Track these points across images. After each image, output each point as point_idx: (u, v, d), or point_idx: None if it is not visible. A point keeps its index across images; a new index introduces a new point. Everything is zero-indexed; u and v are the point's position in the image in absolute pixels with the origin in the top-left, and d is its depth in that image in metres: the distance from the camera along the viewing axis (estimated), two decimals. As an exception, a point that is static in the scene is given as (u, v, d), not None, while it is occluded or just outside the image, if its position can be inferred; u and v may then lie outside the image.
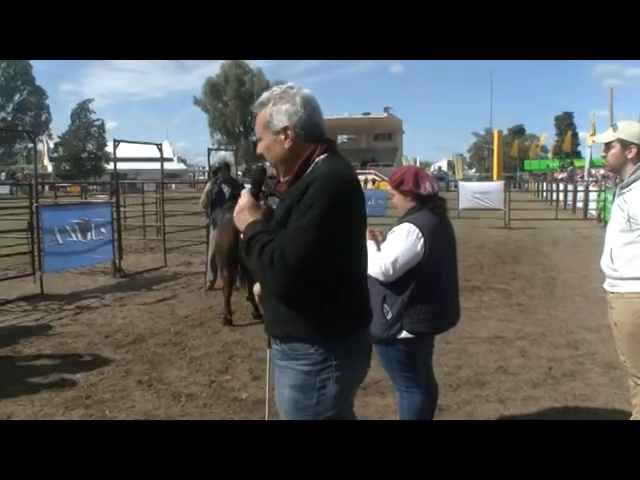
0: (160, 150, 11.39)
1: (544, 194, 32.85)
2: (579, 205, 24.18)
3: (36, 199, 9.16)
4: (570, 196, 26.25)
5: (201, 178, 55.41)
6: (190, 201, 16.76)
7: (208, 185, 9.12)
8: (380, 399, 4.75)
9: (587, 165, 34.95)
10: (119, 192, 10.64)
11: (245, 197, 2.29)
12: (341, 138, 68.31)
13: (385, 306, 3.41)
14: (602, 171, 33.34)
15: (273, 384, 2.49)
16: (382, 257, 3.38)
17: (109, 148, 60.10)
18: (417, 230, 3.38)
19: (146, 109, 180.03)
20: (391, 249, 3.38)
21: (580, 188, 25.51)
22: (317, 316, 2.19)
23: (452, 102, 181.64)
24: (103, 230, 9.79)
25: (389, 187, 3.74)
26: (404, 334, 3.40)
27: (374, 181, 47.30)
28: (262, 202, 2.35)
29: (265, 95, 2.31)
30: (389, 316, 3.39)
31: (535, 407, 4.60)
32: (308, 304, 2.17)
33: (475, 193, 19.65)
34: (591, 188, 24.47)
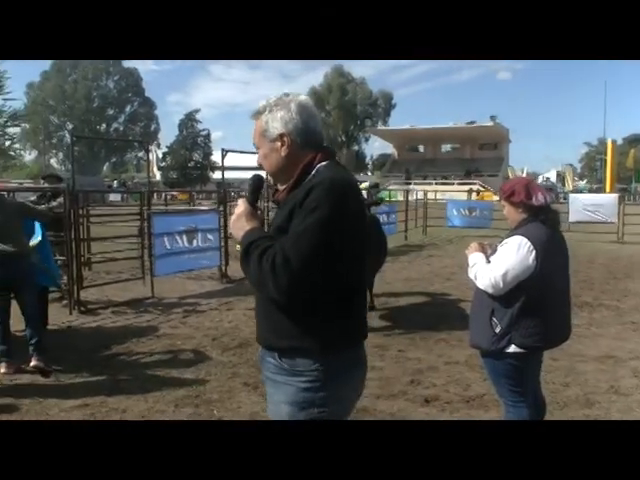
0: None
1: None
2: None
3: (148, 206, 9.61)
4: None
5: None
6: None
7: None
8: (483, 413, 4.67)
9: None
10: (226, 200, 10.93)
11: (242, 205, 2.23)
12: (445, 147, 67.71)
13: (494, 319, 3.37)
14: None
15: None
16: (492, 269, 3.34)
17: (215, 157, 62.17)
18: (529, 243, 3.32)
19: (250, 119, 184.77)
20: (502, 262, 3.34)
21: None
22: (318, 328, 2.10)
23: (562, 111, 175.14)
24: (210, 237, 10.13)
25: (500, 199, 3.68)
26: (513, 348, 3.36)
27: (478, 192, 46.38)
28: (259, 211, 2.30)
29: (261, 104, 2.28)
30: (497, 329, 3.36)
31: None
32: (312, 315, 2.08)
33: (587, 206, 18.80)
34: None
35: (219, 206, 11.02)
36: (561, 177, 69.30)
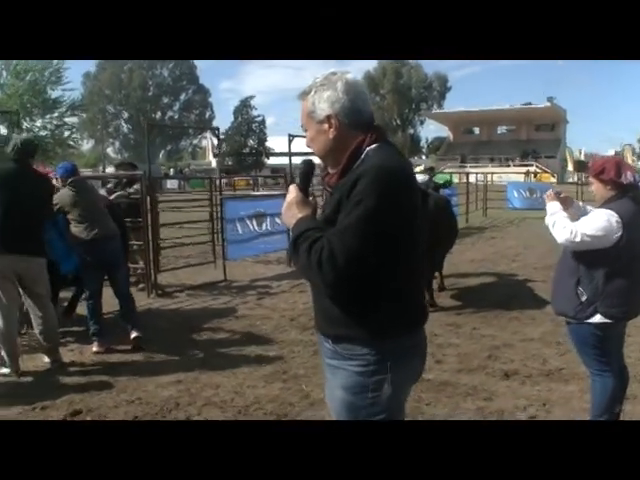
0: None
1: None
2: None
3: (220, 191, 9.89)
4: None
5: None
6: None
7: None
8: (564, 386, 4.78)
9: None
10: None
11: (293, 192, 2.14)
12: (500, 129, 66.65)
13: (580, 288, 3.52)
14: None
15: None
16: (575, 228, 3.46)
17: (269, 143, 62.64)
18: (617, 217, 3.44)
19: (297, 99, 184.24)
20: (589, 223, 3.48)
21: None
22: (371, 316, 2.07)
23: (619, 91, 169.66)
24: (278, 221, 10.36)
25: (589, 176, 3.78)
26: (598, 317, 3.49)
27: (536, 173, 45.60)
28: (310, 197, 2.20)
29: (309, 84, 2.18)
30: (583, 298, 3.50)
31: None
32: (361, 303, 2.06)
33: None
34: None
35: (286, 190, 11.22)
36: (620, 157, 67.28)
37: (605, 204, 3.57)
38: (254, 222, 9.86)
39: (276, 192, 14.19)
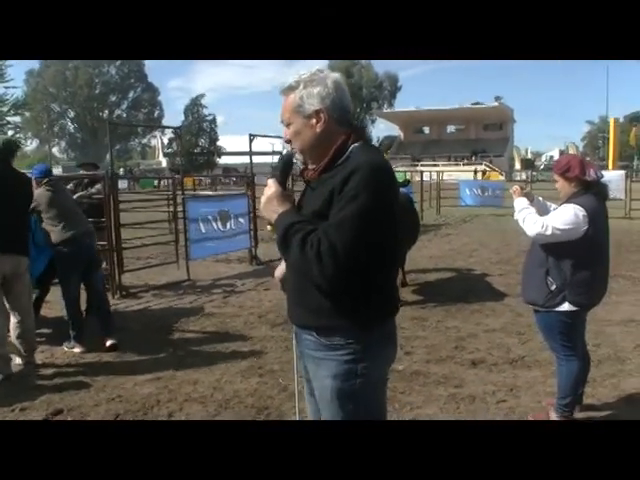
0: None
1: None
2: None
3: (182, 191, 9.92)
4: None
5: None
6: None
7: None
8: (527, 372, 5.05)
9: None
10: (254, 185, 11.22)
11: (272, 186, 2.19)
12: (450, 128, 67.80)
13: (549, 278, 3.76)
14: None
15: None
16: (544, 222, 3.70)
17: (220, 142, 62.24)
18: (584, 211, 3.69)
19: (253, 102, 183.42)
20: (558, 217, 3.73)
21: None
22: (360, 307, 2.15)
23: (564, 90, 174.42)
24: (241, 220, 10.47)
25: (554, 173, 4.02)
26: (566, 305, 3.75)
27: (484, 172, 46.58)
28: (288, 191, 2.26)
29: (293, 79, 2.23)
30: (553, 287, 3.75)
31: None
32: (352, 295, 2.12)
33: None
34: None
35: (247, 190, 11.31)
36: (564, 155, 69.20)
37: (571, 199, 3.82)
38: (218, 222, 9.91)
39: (238, 192, 14.25)
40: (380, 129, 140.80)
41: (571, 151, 59.81)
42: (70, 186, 8.83)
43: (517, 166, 57.81)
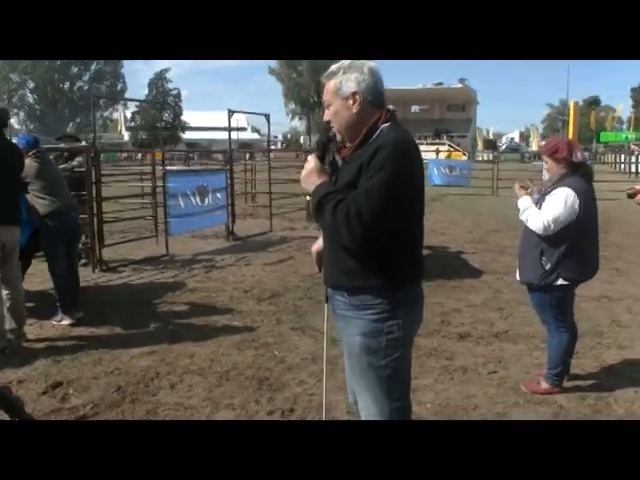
0: (268, 121, 12.08)
1: (622, 166, 32.28)
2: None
3: (163, 165, 9.88)
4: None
5: (273, 148, 56.07)
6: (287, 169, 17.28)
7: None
8: (513, 345, 5.26)
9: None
10: (232, 160, 11.24)
11: (312, 161, 2.43)
12: (414, 108, 68.02)
13: (543, 258, 3.98)
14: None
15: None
16: (545, 214, 3.90)
17: (185, 117, 61.47)
18: (574, 193, 3.89)
19: (215, 77, 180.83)
20: (553, 208, 3.89)
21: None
22: (384, 269, 2.35)
23: (526, 74, 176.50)
24: (219, 195, 10.48)
25: (543, 155, 4.19)
26: (560, 281, 3.96)
27: (449, 152, 47.06)
28: (327, 166, 2.48)
29: (334, 66, 2.46)
30: (547, 266, 3.96)
31: None
32: (379, 257, 2.34)
33: (561, 164, 19.41)
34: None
35: (226, 165, 11.31)
36: (524, 137, 70.33)
37: (560, 181, 4.01)
38: (196, 197, 9.91)
39: (218, 167, 14.23)
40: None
41: (532, 133, 60.84)
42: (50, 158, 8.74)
43: (480, 147, 58.53)
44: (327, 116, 2.49)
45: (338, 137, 2.49)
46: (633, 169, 29.90)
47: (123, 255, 9.50)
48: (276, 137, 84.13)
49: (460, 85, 60.02)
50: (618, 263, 8.89)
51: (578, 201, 3.88)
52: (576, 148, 4.13)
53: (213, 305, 6.62)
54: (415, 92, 62.51)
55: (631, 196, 3.40)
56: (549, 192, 4.03)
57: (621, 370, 4.68)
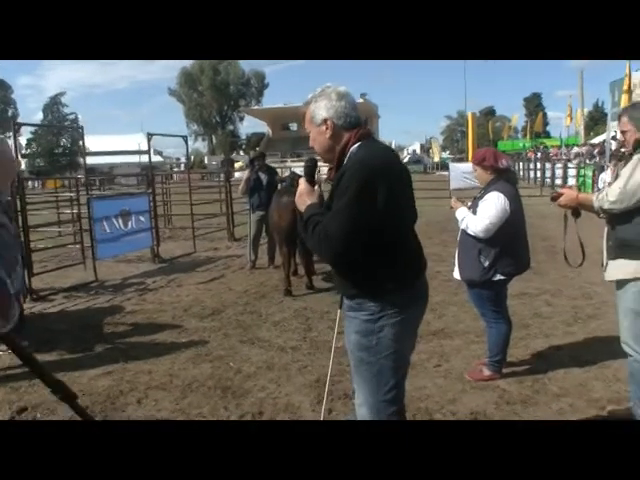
0: (186, 143, 12.22)
1: (521, 173, 34.19)
2: (557, 182, 25.60)
3: (87, 191, 9.89)
4: (548, 174, 27.70)
5: (175, 169, 55.45)
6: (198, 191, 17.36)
7: (247, 173, 9.89)
8: (450, 341, 5.73)
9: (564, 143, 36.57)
10: (154, 183, 11.31)
11: (302, 184, 2.72)
12: (317, 124, 68.80)
13: (481, 257, 4.43)
14: (575, 149, 34.81)
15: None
16: (482, 219, 4.35)
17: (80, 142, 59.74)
18: (503, 196, 4.39)
19: (110, 100, 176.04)
20: (488, 213, 4.36)
21: (558, 165, 27.04)
22: (368, 279, 2.62)
23: (424, 88, 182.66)
24: (142, 219, 10.54)
25: (472, 164, 4.70)
26: (498, 277, 4.44)
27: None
28: (316, 187, 2.76)
29: (310, 95, 2.73)
30: (486, 264, 4.42)
31: (574, 339, 5.73)
32: (359, 270, 2.62)
33: (465, 173, 20.33)
34: (569, 165, 25.98)
35: (147, 188, 11.37)
36: (425, 149, 72.73)
37: (489, 187, 4.51)
38: (120, 221, 9.94)
39: (139, 190, 14.18)
40: (243, 126, 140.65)
41: (433, 145, 63.16)
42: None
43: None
44: (310, 142, 2.77)
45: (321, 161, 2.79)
46: (532, 175, 31.82)
47: (50, 284, 9.37)
48: (178, 159, 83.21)
49: (361, 100, 61.60)
50: (532, 263, 9.61)
51: (508, 202, 4.38)
52: (501, 156, 4.66)
53: (157, 325, 6.75)
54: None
55: (554, 199, 3.87)
56: (480, 198, 4.51)
57: (549, 355, 5.25)
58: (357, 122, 2.71)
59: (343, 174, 2.52)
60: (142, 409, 4.43)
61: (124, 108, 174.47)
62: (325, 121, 2.65)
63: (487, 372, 4.65)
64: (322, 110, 2.66)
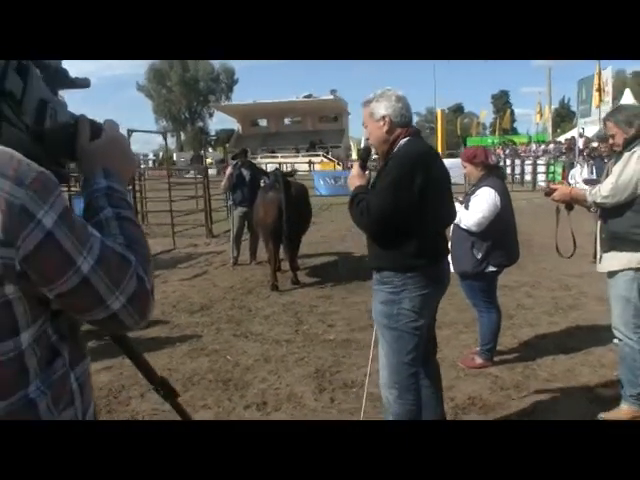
0: (165, 139, 12.21)
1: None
2: (527, 178, 26.14)
3: (69, 189, 9.86)
4: (518, 170, 28.22)
5: (143, 166, 54.93)
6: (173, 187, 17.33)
7: (229, 169, 9.97)
8: (440, 331, 5.76)
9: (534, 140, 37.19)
10: (133, 180, 11.31)
11: (356, 168, 3.22)
12: (287, 121, 69.10)
13: (474, 250, 4.60)
14: (542, 146, 35.42)
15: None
16: (475, 214, 4.53)
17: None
18: (494, 191, 4.57)
19: (75, 96, 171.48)
20: (480, 208, 4.53)
21: (528, 162, 27.54)
22: (397, 253, 3.01)
23: (391, 83, 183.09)
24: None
25: (463, 161, 4.86)
26: (490, 268, 4.64)
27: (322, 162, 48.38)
28: (366, 172, 3.25)
29: (370, 95, 3.17)
30: (479, 256, 4.60)
31: (557, 328, 5.98)
32: (390, 244, 3.02)
33: (438, 169, 20.63)
34: (539, 162, 26.49)
35: (128, 185, 11.35)
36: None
37: (480, 182, 4.69)
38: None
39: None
40: (212, 122, 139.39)
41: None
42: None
43: (354, 156, 60.31)
44: (366, 135, 3.23)
45: (374, 150, 3.26)
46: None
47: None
48: (146, 155, 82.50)
49: (331, 96, 61.90)
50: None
51: (499, 197, 4.57)
52: (490, 153, 4.86)
53: (148, 322, 6.78)
54: (288, 104, 63.75)
55: (548, 194, 4.07)
56: (472, 193, 4.69)
57: (536, 343, 5.48)
58: (409, 121, 3.18)
59: (389, 161, 3.03)
60: (146, 403, 4.50)
61: (90, 103, 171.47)
62: (384, 117, 3.09)
63: (479, 360, 4.84)
64: (382, 108, 3.10)
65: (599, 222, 3.91)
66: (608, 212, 3.76)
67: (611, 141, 3.87)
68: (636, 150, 3.64)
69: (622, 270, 3.74)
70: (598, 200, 3.72)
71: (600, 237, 3.89)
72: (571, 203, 4.03)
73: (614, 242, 3.74)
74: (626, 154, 3.68)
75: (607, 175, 3.81)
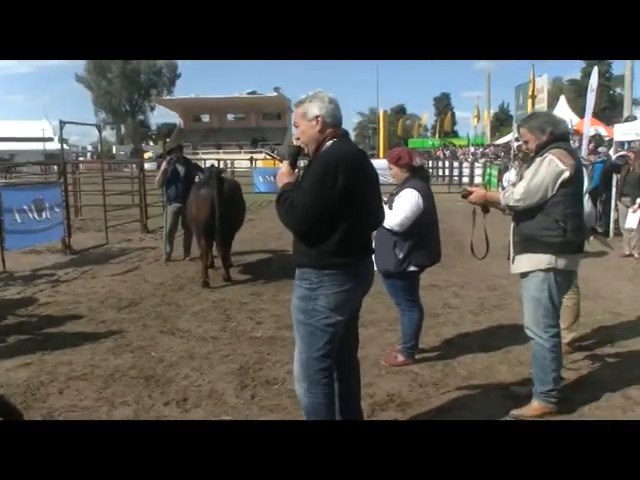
0: (100, 132, 11.97)
1: (430, 171, 35.31)
2: (465, 180, 26.71)
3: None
4: (456, 172, 28.86)
5: (81, 159, 53.95)
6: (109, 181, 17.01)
7: (164, 164, 9.82)
8: (364, 330, 5.86)
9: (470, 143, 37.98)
10: (66, 172, 11.05)
11: (285, 166, 3.27)
12: (230, 117, 68.57)
13: (396, 249, 4.69)
14: (481, 149, 36.24)
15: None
16: (398, 214, 4.60)
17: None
18: (417, 193, 4.66)
19: (9, 84, 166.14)
20: (403, 208, 4.62)
21: (466, 164, 28.23)
22: (317, 251, 3.10)
23: (336, 85, 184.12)
24: (57, 209, 10.29)
25: (388, 162, 4.94)
26: (412, 268, 4.74)
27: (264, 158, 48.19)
28: (296, 170, 3.30)
29: (303, 96, 3.26)
30: (400, 256, 4.68)
31: (480, 327, 6.15)
32: (312, 242, 3.10)
33: (378, 170, 20.76)
34: (476, 164, 27.18)
35: (59, 178, 11.09)
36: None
37: (405, 184, 4.77)
38: (34, 211, 9.66)
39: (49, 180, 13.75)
40: (153, 116, 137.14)
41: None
42: None
43: (297, 154, 60.09)
44: (297, 133, 3.31)
45: (305, 149, 3.30)
46: (441, 173, 32.99)
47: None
48: (85, 148, 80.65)
49: (275, 94, 61.80)
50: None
51: (421, 199, 4.66)
52: (415, 154, 4.96)
53: (73, 316, 6.65)
54: (231, 100, 63.36)
55: (465, 196, 4.19)
56: (396, 194, 4.77)
57: (458, 342, 5.62)
58: (339, 122, 3.27)
59: (313, 160, 3.16)
60: (64, 399, 4.42)
61: (25, 93, 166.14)
62: (317, 117, 3.18)
63: (401, 358, 4.94)
64: (315, 109, 3.18)
65: (512, 225, 4.06)
66: (520, 215, 3.92)
67: (524, 147, 4.02)
68: (547, 155, 3.80)
69: (533, 271, 3.89)
70: (511, 203, 3.87)
71: (513, 239, 4.04)
72: (487, 205, 4.15)
73: (526, 244, 3.90)
74: (538, 159, 3.85)
75: (521, 179, 3.96)
